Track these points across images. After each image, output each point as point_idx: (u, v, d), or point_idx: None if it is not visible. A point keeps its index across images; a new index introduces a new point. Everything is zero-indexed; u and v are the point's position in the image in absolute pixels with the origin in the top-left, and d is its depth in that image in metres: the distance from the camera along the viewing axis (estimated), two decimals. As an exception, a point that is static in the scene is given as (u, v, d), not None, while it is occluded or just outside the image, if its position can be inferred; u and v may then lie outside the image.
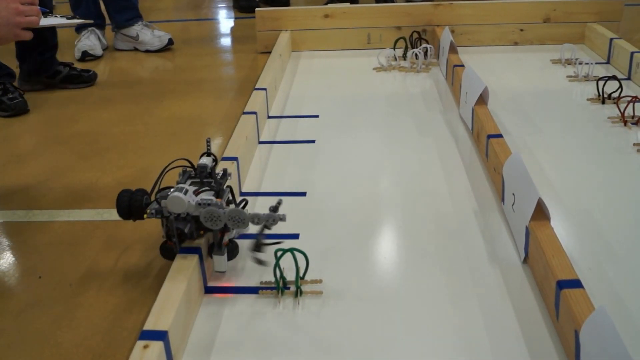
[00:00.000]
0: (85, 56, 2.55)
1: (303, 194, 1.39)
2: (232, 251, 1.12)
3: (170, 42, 2.66)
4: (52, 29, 2.19)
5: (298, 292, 1.05)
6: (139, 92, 2.19)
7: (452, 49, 2.05)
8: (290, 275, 1.07)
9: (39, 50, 2.16)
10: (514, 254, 1.16)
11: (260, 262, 1.06)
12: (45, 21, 1.44)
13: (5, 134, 1.88)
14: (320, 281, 1.08)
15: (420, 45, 2.24)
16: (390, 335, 0.97)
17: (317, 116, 1.80)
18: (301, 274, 1.07)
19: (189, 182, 1.12)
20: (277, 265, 1.04)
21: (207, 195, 1.06)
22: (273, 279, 1.06)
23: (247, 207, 1.08)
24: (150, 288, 1.12)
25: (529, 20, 2.39)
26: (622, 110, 1.68)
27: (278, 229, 1.25)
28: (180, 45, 2.72)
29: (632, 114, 1.68)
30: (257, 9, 2.48)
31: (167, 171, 1.10)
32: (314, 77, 2.17)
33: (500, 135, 1.44)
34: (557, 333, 0.96)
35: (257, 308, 1.04)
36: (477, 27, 2.40)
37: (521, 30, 2.40)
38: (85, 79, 2.25)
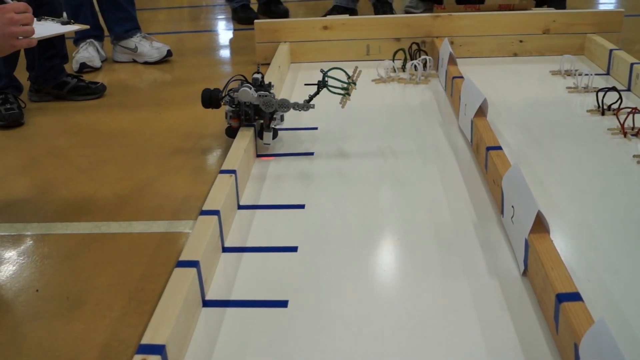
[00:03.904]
0: (84, 68, 2.55)
1: (302, 206, 1.39)
2: (275, 133, 1.67)
3: (169, 53, 2.66)
4: (60, 38, 2.19)
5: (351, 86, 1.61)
6: (137, 103, 2.19)
7: (452, 60, 2.06)
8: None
9: (47, 55, 2.16)
10: (513, 266, 1.15)
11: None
12: (40, 30, 1.43)
13: (3, 145, 1.88)
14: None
15: (420, 56, 2.24)
16: (388, 346, 0.97)
17: (315, 128, 1.80)
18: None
19: None
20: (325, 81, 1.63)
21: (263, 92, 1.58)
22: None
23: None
24: (149, 300, 1.11)
25: (528, 32, 2.39)
26: (621, 122, 1.68)
27: (277, 240, 1.25)
28: (179, 57, 2.73)
29: (632, 125, 1.68)
30: (255, 20, 2.49)
31: (231, 81, 1.63)
32: (312, 89, 2.16)
33: (499, 148, 1.43)
34: (556, 346, 0.95)
35: (256, 319, 1.04)
36: (476, 38, 2.40)
37: (520, 41, 2.40)
38: (94, 91, 2.24)
